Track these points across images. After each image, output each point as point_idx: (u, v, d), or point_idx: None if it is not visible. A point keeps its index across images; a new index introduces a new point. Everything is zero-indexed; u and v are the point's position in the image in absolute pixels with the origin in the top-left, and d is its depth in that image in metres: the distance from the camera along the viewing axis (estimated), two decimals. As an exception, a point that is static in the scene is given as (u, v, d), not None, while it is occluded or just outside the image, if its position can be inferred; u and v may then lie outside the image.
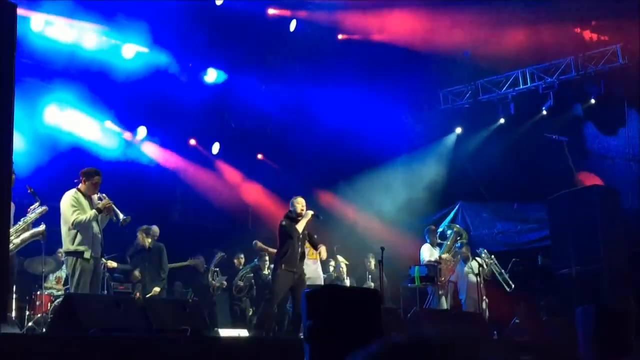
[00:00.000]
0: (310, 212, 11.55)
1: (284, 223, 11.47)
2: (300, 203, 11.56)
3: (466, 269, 14.71)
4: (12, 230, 8.97)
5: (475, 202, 18.86)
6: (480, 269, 13.85)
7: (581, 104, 17.47)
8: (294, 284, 11.23)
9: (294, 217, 11.49)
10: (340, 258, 15.12)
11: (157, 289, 12.56)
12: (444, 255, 14.04)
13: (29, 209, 9.83)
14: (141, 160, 16.67)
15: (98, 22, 14.27)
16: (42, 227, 9.86)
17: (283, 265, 11.20)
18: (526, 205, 18.00)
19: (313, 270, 13.20)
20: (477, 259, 14.59)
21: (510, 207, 18.40)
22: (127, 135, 16.40)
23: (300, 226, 11.38)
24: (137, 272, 13.37)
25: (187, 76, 16.34)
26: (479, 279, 13.77)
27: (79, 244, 9.43)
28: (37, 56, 13.36)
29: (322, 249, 11.99)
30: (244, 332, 11.58)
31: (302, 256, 11.61)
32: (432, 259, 13.95)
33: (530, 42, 16.52)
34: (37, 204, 9.81)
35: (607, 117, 16.84)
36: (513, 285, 14.90)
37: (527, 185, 17.42)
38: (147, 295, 12.30)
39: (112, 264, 12.87)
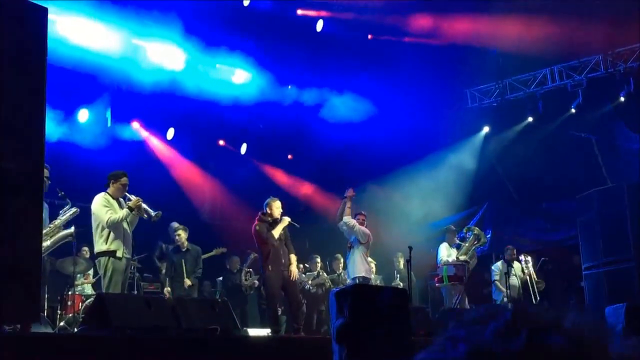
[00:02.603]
0: (287, 219, 11.24)
1: (258, 228, 11.12)
2: (278, 207, 11.24)
3: (498, 277, 14.65)
4: (43, 232, 9.09)
5: (504, 201, 18.79)
6: (526, 271, 13.97)
7: (610, 101, 17.35)
8: (285, 283, 11.08)
9: (270, 222, 11.18)
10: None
11: (188, 282, 12.46)
12: (462, 257, 13.95)
13: (60, 212, 9.96)
14: (169, 161, 16.79)
15: (123, 23, 14.31)
16: (71, 229, 10.00)
17: (270, 267, 10.99)
18: (555, 203, 17.90)
19: (367, 269, 13.00)
20: (518, 263, 14.62)
21: (539, 205, 18.32)
22: (154, 136, 16.53)
23: (276, 232, 11.06)
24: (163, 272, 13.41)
25: (215, 77, 16.41)
26: (519, 282, 13.88)
27: (111, 244, 9.53)
28: (63, 60, 13.40)
29: (292, 258, 11.37)
30: (272, 332, 11.61)
31: (287, 256, 11.30)
32: (450, 259, 13.89)
33: (558, 40, 16.41)
34: (67, 206, 9.94)
35: (637, 115, 16.69)
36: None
37: (556, 184, 17.34)
38: (186, 285, 12.28)
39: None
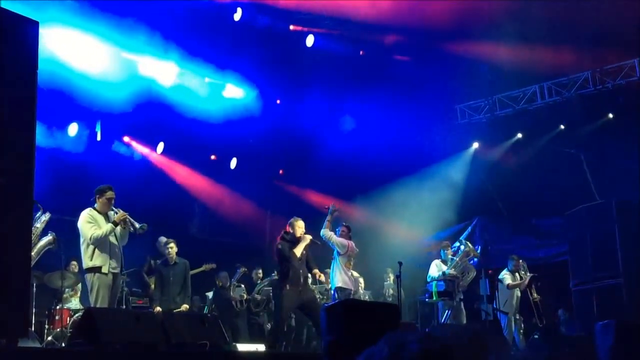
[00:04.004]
0: (309, 237, 11.26)
1: (280, 246, 11.17)
2: (300, 227, 11.29)
3: (511, 280, 14.64)
4: None
5: (493, 217, 18.82)
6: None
7: (599, 118, 17.43)
8: (304, 303, 11.03)
9: (292, 240, 11.22)
10: (354, 273, 15.14)
11: (186, 306, 12.26)
12: (451, 272, 13.94)
13: (34, 219, 9.85)
14: (159, 175, 16.76)
15: (112, 37, 14.25)
16: (50, 235, 9.96)
17: (287, 286, 10.92)
18: (544, 220, 17.95)
19: (346, 280, 12.91)
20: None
21: (528, 221, 18.35)
22: (146, 150, 16.52)
23: (298, 251, 11.07)
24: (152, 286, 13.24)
25: (205, 91, 16.41)
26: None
27: (96, 259, 9.53)
28: (53, 76, 13.31)
29: (316, 272, 11.62)
30: (261, 347, 11.56)
31: (305, 276, 11.30)
32: (436, 275, 13.89)
33: (547, 57, 16.49)
34: (40, 212, 9.87)
35: (625, 132, 16.77)
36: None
37: (545, 200, 17.38)
38: (176, 310, 12.00)
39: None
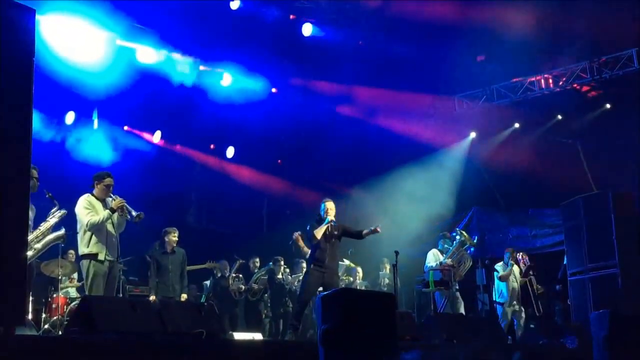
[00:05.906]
0: (329, 218, 11.05)
1: (308, 227, 11.22)
2: (329, 207, 11.14)
3: (506, 273, 14.70)
4: (32, 236, 9.04)
5: (490, 207, 18.84)
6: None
7: (596, 108, 17.44)
8: (327, 283, 10.89)
9: (319, 221, 11.15)
10: (348, 262, 15.18)
11: (185, 296, 12.25)
12: (447, 261, 13.96)
13: (48, 214, 9.87)
14: (156, 163, 16.75)
15: (108, 24, 14.21)
16: (62, 231, 9.92)
17: (312, 265, 11.01)
18: (541, 210, 17.96)
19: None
20: (517, 266, 14.73)
21: (525, 212, 18.37)
22: (143, 137, 16.52)
23: (318, 233, 10.98)
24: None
25: (203, 81, 16.38)
26: (519, 284, 14.39)
27: (93, 246, 9.46)
28: (50, 63, 13.28)
29: (367, 231, 11.35)
30: (258, 336, 11.57)
31: (333, 256, 11.23)
32: (433, 264, 13.91)
33: (544, 48, 16.47)
34: (55, 208, 9.85)
35: (622, 122, 16.78)
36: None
37: (541, 190, 17.39)
38: (182, 298, 11.98)
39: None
